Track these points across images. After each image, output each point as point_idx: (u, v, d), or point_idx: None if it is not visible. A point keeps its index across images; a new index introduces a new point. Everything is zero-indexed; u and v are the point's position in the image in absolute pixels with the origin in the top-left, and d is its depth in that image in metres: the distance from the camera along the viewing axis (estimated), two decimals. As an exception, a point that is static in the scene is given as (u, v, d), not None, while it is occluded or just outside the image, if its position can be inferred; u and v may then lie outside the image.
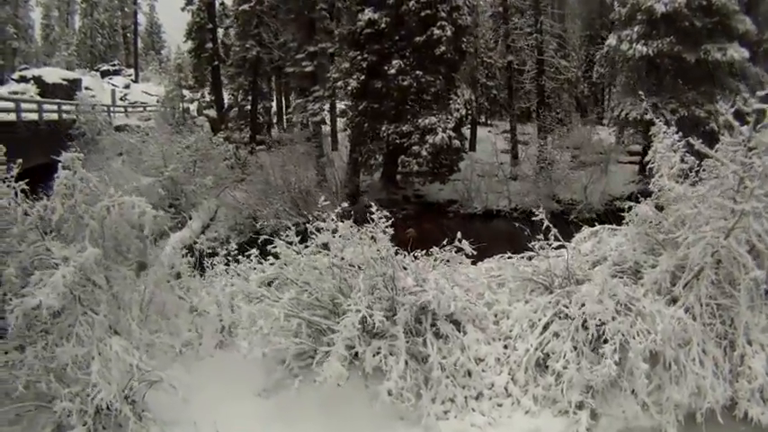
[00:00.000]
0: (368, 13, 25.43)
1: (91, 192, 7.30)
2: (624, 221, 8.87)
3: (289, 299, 7.24)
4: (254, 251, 8.82)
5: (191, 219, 22.61)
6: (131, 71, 63.04)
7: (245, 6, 33.88)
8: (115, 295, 7.42)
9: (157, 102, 46.73)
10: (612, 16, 29.41)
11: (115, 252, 7.88)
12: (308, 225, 7.44)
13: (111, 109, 39.03)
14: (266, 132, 37.65)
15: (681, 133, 8.13)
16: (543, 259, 8.69)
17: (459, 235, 8.21)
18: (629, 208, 8.56)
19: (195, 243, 21.09)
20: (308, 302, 7.72)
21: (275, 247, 8.32)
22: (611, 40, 27.89)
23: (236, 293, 8.11)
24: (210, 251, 21.10)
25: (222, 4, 41.38)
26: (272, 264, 8.26)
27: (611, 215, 25.65)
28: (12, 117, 24.35)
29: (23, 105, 25.67)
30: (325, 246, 8.00)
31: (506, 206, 28.51)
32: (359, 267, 7.79)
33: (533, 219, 24.14)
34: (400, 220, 26.28)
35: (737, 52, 26.19)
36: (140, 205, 7.48)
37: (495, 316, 8.22)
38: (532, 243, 8.88)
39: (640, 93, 27.15)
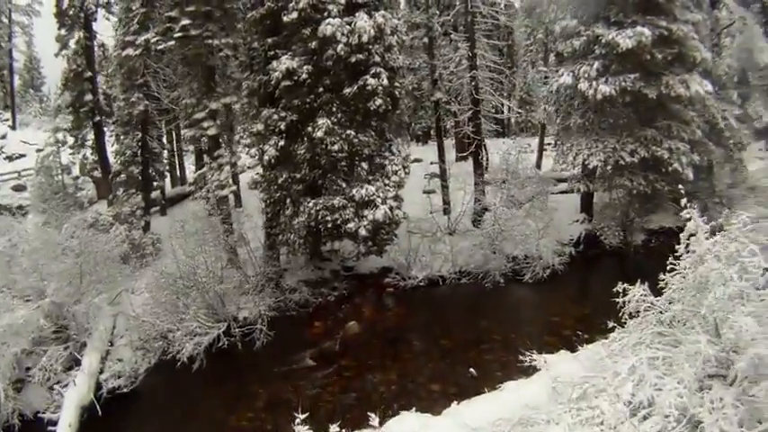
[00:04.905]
0: (285, 61, 20.64)
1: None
2: (622, 314, 9.61)
3: None
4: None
5: (84, 346, 17.75)
6: (8, 115, 56.85)
7: (129, 51, 28.39)
8: None
9: (37, 151, 41.74)
10: (562, 49, 25.79)
11: None
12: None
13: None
14: (161, 199, 32.39)
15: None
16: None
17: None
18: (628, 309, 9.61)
19: (99, 394, 16.42)
20: None
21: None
22: (566, 78, 24.25)
23: None
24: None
25: (102, 45, 36.16)
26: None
27: (568, 270, 22.72)
28: None
29: None
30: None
31: (450, 270, 24.40)
32: None
33: (485, 283, 20.85)
34: (334, 304, 22.12)
35: (701, 85, 23.55)
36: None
37: None
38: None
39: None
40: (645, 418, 7.85)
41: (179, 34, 22.84)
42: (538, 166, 35.57)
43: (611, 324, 10.12)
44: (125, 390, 16.95)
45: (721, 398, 7.43)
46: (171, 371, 17.66)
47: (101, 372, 17.27)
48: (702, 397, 7.62)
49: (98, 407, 15.81)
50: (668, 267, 9.46)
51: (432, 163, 31.84)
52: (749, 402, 7.33)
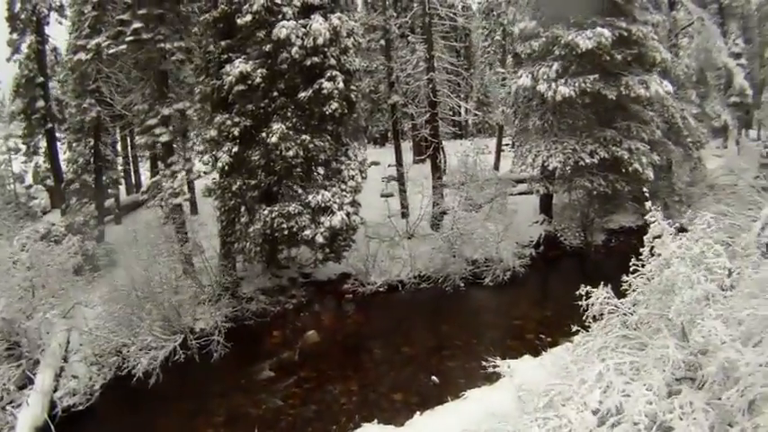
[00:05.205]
0: (238, 65, 19.89)
1: None
2: (586, 316, 9.45)
3: None
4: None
5: (38, 364, 16.96)
6: (-41, 125, 55.17)
7: (81, 55, 27.50)
8: None
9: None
10: (521, 50, 25.59)
11: None
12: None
13: None
14: (116, 207, 31.54)
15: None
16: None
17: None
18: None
19: (53, 413, 15.47)
20: None
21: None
22: (525, 80, 24.11)
23: None
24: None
25: (55, 49, 35.21)
26: None
27: (529, 272, 22.63)
28: None
29: None
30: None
31: (409, 275, 23.99)
32: None
33: (445, 287, 20.37)
34: (292, 313, 21.57)
35: (660, 85, 23.64)
36: None
37: None
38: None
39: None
40: (614, 426, 7.60)
41: (131, 38, 22.12)
42: (496, 167, 35.62)
43: (574, 327, 9.98)
44: (80, 408, 16.22)
45: (691, 402, 7.27)
46: (127, 387, 16.98)
47: (55, 390, 16.51)
48: (672, 402, 7.43)
49: (52, 427, 15.12)
50: (631, 269, 9.27)
51: (389, 165, 31.36)
52: (719, 406, 7.16)
